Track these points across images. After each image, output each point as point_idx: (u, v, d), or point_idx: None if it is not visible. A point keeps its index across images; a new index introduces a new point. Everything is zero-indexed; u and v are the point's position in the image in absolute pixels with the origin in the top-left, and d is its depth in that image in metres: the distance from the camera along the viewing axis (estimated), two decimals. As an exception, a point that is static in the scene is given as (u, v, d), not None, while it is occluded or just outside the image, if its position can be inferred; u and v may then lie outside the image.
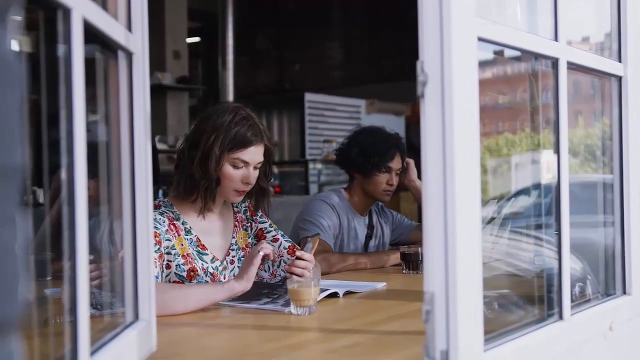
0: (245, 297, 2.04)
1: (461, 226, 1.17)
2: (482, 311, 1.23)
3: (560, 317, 1.53)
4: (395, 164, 3.03)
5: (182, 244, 2.21)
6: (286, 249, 2.39)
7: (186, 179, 2.23)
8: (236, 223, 2.40)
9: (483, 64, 1.28)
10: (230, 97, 8.76)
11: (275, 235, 2.42)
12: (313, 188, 7.46)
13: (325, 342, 1.65)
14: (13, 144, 0.58)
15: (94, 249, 1.12)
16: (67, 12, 0.98)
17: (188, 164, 2.21)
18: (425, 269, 1.20)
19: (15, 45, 0.61)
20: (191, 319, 1.87)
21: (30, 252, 0.61)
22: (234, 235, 2.38)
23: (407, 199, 6.57)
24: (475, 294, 1.22)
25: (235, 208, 2.43)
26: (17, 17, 0.62)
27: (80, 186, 1.01)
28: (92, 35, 1.12)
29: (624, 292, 1.82)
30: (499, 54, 1.51)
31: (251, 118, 2.24)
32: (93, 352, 1.10)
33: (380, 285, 2.36)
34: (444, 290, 1.18)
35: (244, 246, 2.39)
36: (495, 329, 1.35)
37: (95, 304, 1.32)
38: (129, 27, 1.35)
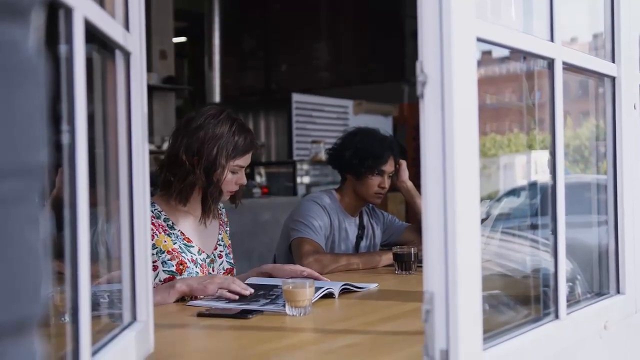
0: (243, 299, 2.04)
1: (461, 226, 1.17)
2: (481, 310, 1.24)
3: (557, 317, 1.53)
4: (389, 167, 3.04)
5: (165, 241, 2.26)
6: (224, 270, 2.46)
7: (187, 186, 2.27)
8: (221, 222, 2.49)
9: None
10: (217, 97, 8.76)
11: (227, 252, 2.50)
12: (301, 189, 7.45)
13: (323, 342, 1.65)
14: (38, 143, 0.58)
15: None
16: (69, 11, 0.98)
17: (189, 172, 2.24)
18: (425, 269, 1.20)
19: (37, 44, 0.60)
20: (188, 321, 1.86)
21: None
22: (220, 232, 2.47)
23: (394, 200, 6.58)
24: (475, 293, 1.22)
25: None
26: (39, 16, 0.61)
27: (81, 187, 1.00)
28: (90, 34, 1.11)
29: (618, 292, 1.84)
30: (487, 53, 1.52)
31: (244, 125, 2.36)
32: (93, 354, 1.09)
33: (374, 286, 2.37)
34: (443, 290, 1.18)
35: (228, 244, 2.50)
36: (493, 329, 1.36)
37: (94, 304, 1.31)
38: (126, 26, 1.34)
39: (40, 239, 0.58)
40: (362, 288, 2.30)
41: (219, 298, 2.05)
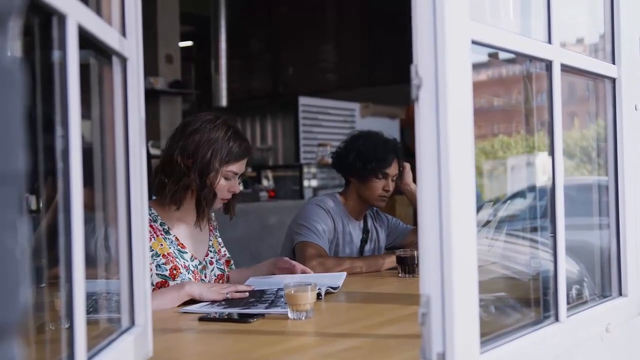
0: (236, 304, 2.04)
1: (456, 229, 1.17)
2: (478, 313, 1.24)
3: (557, 319, 1.53)
4: (392, 170, 3.03)
5: (161, 244, 2.29)
6: (215, 277, 2.46)
7: (181, 189, 2.30)
8: (211, 228, 2.52)
9: (477, 67, 1.28)
10: (224, 101, 8.76)
11: (217, 258, 2.51)
12: (307, 192, 7.45)
13: (322, 346, 1.65)
14: (15, 150, 0.59)
15: (88, 255, 1.12)
16: (62, 18, 0.98)
17: (184, 175, 2.26)
18: (421, 272, 1.20)
19: (15, 52, 0.61)
20: (187, 325, 1.86)
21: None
22: (210, 238, 2.50)
23: (402, 203, 6.57)
24: (471, 296, 1.22)
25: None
26: (17, 24, 0.62)
27: (75, 193, 1.01)
28: (86, 40, 1.12)
29: (620, 294, 1.83)
30: (493, 56, 1.52)
31: (240, 133, 2.40)
32: (89, 358, 1.10)
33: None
34: (440, 293, 1.18)
35: (218, 250, 2.52)
36: (491, 332, 1.35)
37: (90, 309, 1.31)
38: (123, 32, 1.35)
39: (19, 245, 0.58)
40: (336, 288, 2.32)
41: (212, 304, 2.07)
